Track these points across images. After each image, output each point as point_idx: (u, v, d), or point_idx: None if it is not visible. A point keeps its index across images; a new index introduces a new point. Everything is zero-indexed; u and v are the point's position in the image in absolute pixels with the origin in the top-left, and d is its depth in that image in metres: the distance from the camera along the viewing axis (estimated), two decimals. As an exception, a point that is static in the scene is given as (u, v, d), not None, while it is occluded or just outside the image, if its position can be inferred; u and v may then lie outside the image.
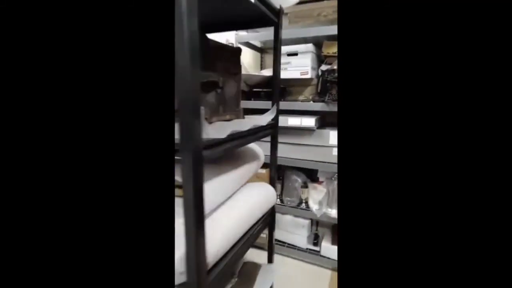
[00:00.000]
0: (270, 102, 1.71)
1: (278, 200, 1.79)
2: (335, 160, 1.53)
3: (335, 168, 1.53)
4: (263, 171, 1.73)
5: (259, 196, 0.96)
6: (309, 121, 1.55)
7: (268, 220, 1.04)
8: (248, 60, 2.14)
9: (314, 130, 1.57)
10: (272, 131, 1.01)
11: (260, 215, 0.94)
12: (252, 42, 1.85)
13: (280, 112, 1.81)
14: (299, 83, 1.76)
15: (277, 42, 0.96)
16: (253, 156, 1.02)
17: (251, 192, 0.96)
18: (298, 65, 1.63)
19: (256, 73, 1.80)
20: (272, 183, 1.12)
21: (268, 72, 1.71)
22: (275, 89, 1.02)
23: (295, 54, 1.63)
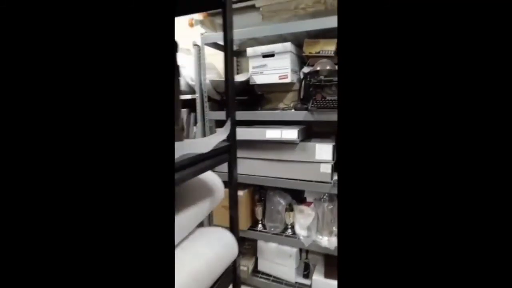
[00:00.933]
0: (247, 112, 1.50)
1: (260, 225, 1.53)
2: (324, 178, 1.28)
3: (324, 188, 1.29)
4: (241, 193, 1.47)
5: (212, 250, 0.68)
6: (291, 133, 1.30)
7: (229, 278, 0.76)
8: (221, 64, 1.90)
9: (297, 144, 1.32)
10: (227, 157, 0.75)
11: (216, 276, 0.67)
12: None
13: (258, 123, 1.56)
14: (279, 89, 1.52)
15: (227, 29, 0.71)
16: (204, 191, 0.76)
17: (200, 243, 0.69)
18: (276, 67, 1.39)
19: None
20: (233, 213, 0.85)
21: (242, 77, 1.47)
22: (229, 98, 0.76)
23: (272, 55, 1.39)
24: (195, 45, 1.48)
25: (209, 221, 1.59)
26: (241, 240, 1.64)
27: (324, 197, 1.38)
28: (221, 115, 1.48)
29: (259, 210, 1.50)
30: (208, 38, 1.45)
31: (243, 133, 1.40)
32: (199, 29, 1.63)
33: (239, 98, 1.44)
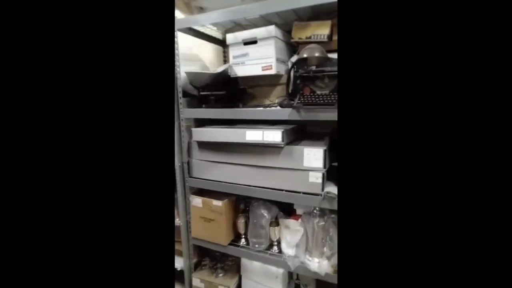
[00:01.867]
0: (228, 110, 1.23)
1: (243, 240, 1.33)
2: (314, 189, 1.06)
3: (313, 201, 1.07)
4: (219, 203, 1.27)
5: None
6: (274, 135, 1.09)
7: None
8: (209, 55, 1.70)
9: (281, 147, 1.10)
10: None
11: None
12: (206, 31, 1.40)
13: (241, 122, 1.33)
14: (266, 82, 1.31)
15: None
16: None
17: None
18: (259, 56, 1.18)
19: (205, 71, 1.35)
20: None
21: (222, 68, 1.27)
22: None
23: (254, 41, 1.17)
24: (167, 32, 1.28)
25: (187, 233, 1.41)
26: (222, 256, 1.46)
27: (315, 211, 1.16)
28: (199, 112, 1.29)
29: (241, 222, 1.30)
30: (181, 22, 1.25)
31: (220, 134, 1.20)
32: (177, 14, 1.43)
33: (216, 93, 1.23)
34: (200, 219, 1.35)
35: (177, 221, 1.41)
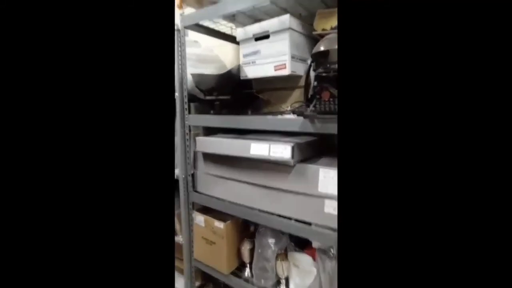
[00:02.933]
0: (232, 117, 0.99)
1: (248, 271, 1.13)
2: (329, 221, 0.82)
3: (327, 238, 0.82)
4: (221, 224, 1.10)
5: None
6: (282, 150, 0.87)
7: None
8: (230, 56, 1.55)
9: (291, 166, 0.88)
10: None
11: None
12: (219, 28, 1.25)
13: (253, 132, 1.10)
14: (283, 85, 1.10)
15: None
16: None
17: None
18: (271, 54, 0.98)
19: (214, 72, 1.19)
20: None
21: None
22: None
23: (266, 36, 0.98)
24: (176, 30, 1.16)
25: (189, 255, 1.26)
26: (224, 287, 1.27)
27: (331, 252, 0.90)
28: (203, 120, 1.14)
29: (246, 249, 1.10)
30: (189, 18, 1.12)
31: (223, 145, 1.03)
32: (188, 11, 1.31)
33: (221, 98, 1.07)
34: (202, 240, 1.19)
35: (180, 239, 1.28)
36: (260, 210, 0.97)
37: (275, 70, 0.97)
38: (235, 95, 1.06)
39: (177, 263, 1.37)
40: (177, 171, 1.25)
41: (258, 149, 0.93)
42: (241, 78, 1.08)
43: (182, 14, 1.14)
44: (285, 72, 0.95)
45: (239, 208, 1.02)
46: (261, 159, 0.92)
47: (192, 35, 1.80)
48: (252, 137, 1.04)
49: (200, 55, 1.34)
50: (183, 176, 1.21)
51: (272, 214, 0.94)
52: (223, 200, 1.09)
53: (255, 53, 1.02)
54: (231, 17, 1.11)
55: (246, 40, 1.04)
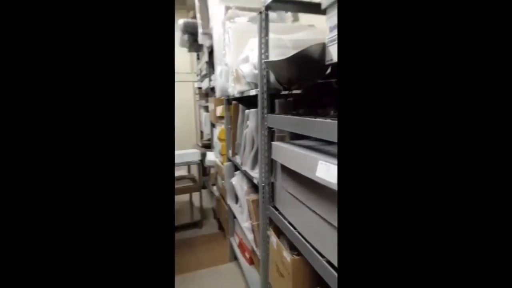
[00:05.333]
0: (311, 121, 0.67)
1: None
2: None
3: None
4: (288, 257, 0.85)
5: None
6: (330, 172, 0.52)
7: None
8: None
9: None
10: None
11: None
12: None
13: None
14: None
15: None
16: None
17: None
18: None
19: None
20: None
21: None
22: None
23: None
24: (260, 12, 0.97)
25: (265, 276, 1.09)
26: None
27: None
28: (275, 121, 0.90)
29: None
30: (268, -5, 0.89)
31: (289, 157, 0.77)
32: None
33: (294, 92, 0.79)
34: (273, 264, 0.99)
35: (257, 250, 1.13)
36: (330, 263, 0.65)
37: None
38: (314, 88, 0.76)
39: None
40: (257, 176, 1.10)
41: (324, 170, 0.61)
42: (327, 63, 0.75)
43: (262, -9, 0.93)
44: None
45: (307, 249, 0.74)
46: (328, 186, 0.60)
47: (304, 19, 1.54)
48: (332, 149, 0.71)
49: (307, 40, 1.08)
50: (262, 184, 1.04)
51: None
52: (294, 228, 0.84)
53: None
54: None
55: (333, 5, 0.70)
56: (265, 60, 0.92)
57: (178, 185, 2.33)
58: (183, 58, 3.45)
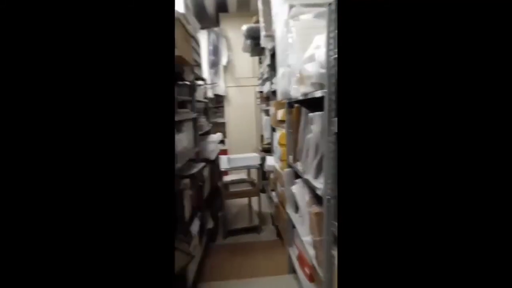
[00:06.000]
0: None
1: None
2: None
3: None
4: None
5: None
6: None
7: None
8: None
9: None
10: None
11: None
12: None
13: None
14: None
15: None
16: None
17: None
18: None
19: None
20: None
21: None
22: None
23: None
24: (329, 4, 0.87)
25: (328, 296, 0.97)
26: None
27: None
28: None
29: None
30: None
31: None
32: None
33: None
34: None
35: (318, 268, 1.02)
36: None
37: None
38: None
39: None
40: (321, 187, 0.99)
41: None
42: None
43: (332, -21, 0.83)
44: None
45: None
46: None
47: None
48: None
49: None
50: (328, 197, 0.93)
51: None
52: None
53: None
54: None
55: None
56: (334, 56, 0.81)
57: (237, 188, 2.35)
58: (245, 64, 3.52)
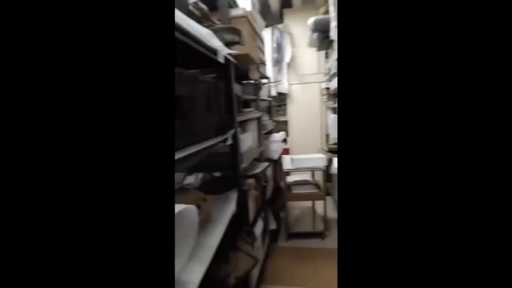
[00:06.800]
0: None
1: None
2: None
3: None
4: None
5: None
6: None
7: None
8: None
9: None
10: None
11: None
12: None
13: None
14: None
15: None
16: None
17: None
18: None
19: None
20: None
21: None
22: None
23: None
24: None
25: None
26: None
27: None
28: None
29: None
30: None
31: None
32: None
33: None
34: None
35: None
36: None
37: None
38: None
39: None
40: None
41: None
42: None
43: None
44: None
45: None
46: None
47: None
48: None
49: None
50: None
51: None
52: None
53: None
54: None
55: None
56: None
57: (300, 190, 2.25)
58: (309, 60, 3.36)
